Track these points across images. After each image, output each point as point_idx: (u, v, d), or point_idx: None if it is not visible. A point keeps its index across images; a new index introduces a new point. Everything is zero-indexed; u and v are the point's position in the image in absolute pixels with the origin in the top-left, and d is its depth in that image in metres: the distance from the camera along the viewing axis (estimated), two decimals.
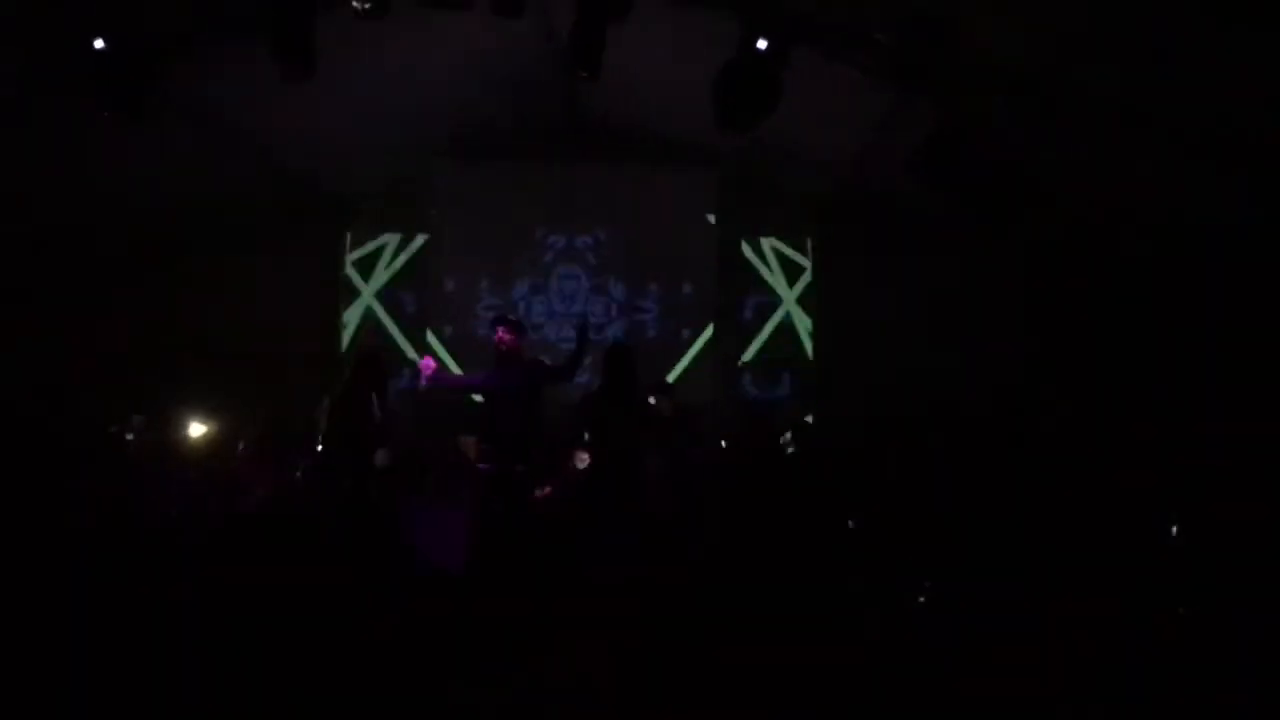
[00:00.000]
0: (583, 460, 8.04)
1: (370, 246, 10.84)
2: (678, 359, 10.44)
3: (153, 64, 6.39)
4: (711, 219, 10.59)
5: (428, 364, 7.29)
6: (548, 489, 7.88)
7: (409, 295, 10.72)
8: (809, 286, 10.76)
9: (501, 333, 7.19)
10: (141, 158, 7.65)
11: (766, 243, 10.82)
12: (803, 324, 10.75)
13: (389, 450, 7.98)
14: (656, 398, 8.32)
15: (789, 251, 10.82)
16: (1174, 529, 5.66)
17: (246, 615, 4.15)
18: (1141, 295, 6.71)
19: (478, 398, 8.06)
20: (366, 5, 6.31)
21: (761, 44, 6.32)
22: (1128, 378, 7.81)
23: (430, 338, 10.57)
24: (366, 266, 10.82)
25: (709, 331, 10.61)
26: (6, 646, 3.85)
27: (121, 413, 7.99)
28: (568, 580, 5.05)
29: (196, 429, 8.01)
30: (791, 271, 10.81)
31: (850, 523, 6.24)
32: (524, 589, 4.68)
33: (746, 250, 10.80)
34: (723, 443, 9.16)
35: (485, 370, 7.44)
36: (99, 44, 6.19)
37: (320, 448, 7.49)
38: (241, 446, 7.88)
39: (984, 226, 5.97)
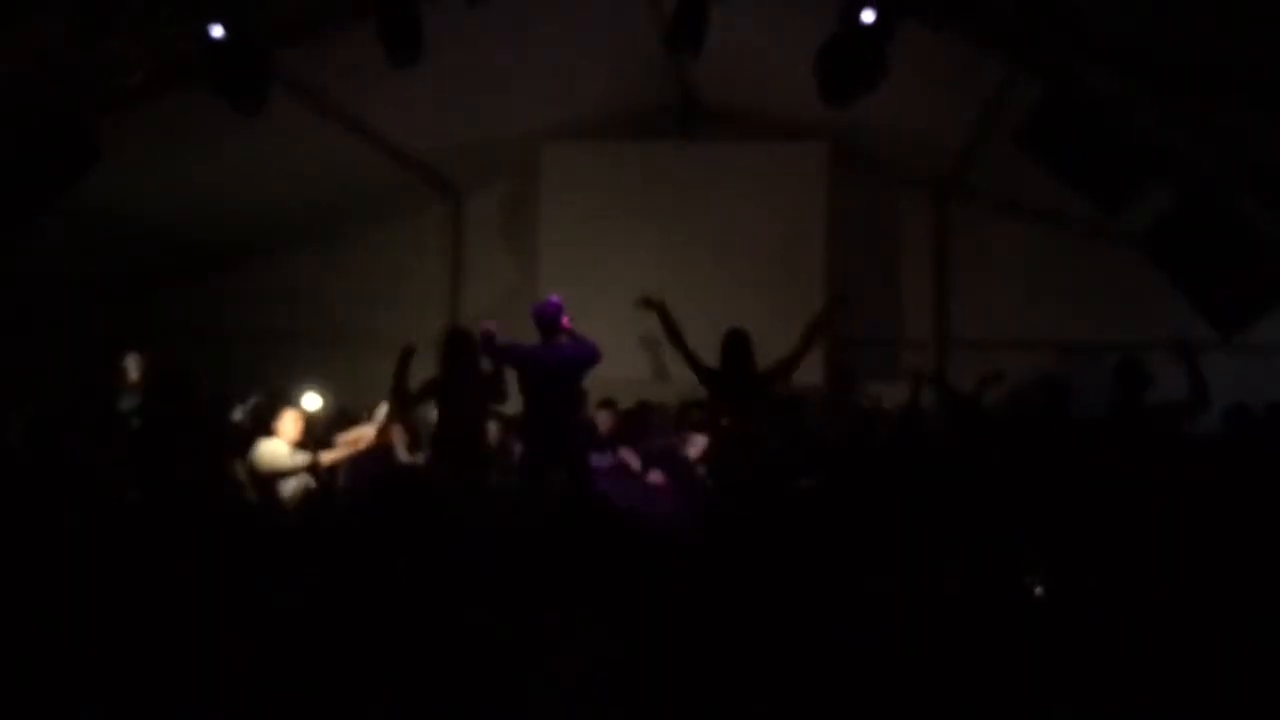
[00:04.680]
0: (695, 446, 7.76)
1: (480, 226, 11.00)
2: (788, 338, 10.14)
3: (269, 52, 6.58)
4: (822, 194, 10.30)
5: (488, 328, 6.86)
6: (660, 477, 7.44)
7: (516, 275, 10.73)
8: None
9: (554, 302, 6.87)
10: (256, 144, 7.90)
11: (875, 216, 10.54)
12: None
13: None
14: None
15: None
16: None
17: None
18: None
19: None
20: None
21: (867, 16, 6.18)
22: None
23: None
24: (476, 245, 10.98)
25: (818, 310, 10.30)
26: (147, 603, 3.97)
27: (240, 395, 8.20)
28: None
29: (311, 402, 8.01)
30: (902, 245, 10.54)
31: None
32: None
33: (856, 225, 10.43)
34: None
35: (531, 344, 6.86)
36: (217, 32, 6.40)
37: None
38: (367, 416, 7.90)
39: (1097, 201, 5.70)
